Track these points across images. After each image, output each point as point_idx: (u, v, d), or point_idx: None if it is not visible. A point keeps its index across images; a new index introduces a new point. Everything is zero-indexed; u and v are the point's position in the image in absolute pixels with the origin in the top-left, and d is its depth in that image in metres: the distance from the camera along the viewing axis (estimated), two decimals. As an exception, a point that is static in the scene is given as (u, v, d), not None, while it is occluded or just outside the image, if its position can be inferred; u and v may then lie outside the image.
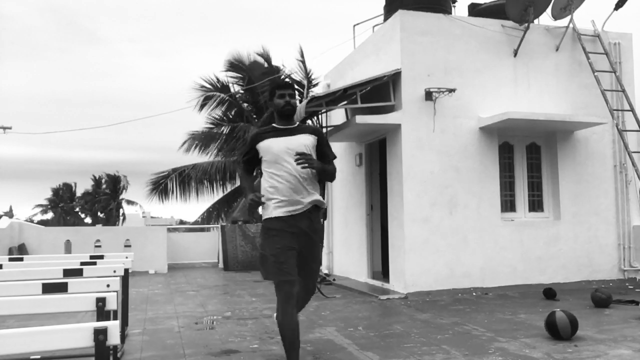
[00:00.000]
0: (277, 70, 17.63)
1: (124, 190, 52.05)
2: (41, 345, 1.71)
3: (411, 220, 7.40)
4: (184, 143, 17.51)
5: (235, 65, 17.51)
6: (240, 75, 17.65)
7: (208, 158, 17.98)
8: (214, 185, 18.22)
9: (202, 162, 18.01)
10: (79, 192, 55.32)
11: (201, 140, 17.44)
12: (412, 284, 7.32)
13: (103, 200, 51.19)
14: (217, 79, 17.58)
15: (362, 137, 8.83)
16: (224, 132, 17.29)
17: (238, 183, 18.58)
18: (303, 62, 17.05)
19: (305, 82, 16.81)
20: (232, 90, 17.73)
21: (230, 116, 17.71)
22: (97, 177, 52.77)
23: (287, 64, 18.71)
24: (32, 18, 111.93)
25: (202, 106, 17.34)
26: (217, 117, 17.60)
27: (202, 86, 17.30)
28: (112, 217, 49.69)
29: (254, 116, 17.77)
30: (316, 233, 3.79)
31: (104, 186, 52.57)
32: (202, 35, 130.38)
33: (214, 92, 17.42)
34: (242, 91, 17.78)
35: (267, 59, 17.76)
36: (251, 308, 6.67)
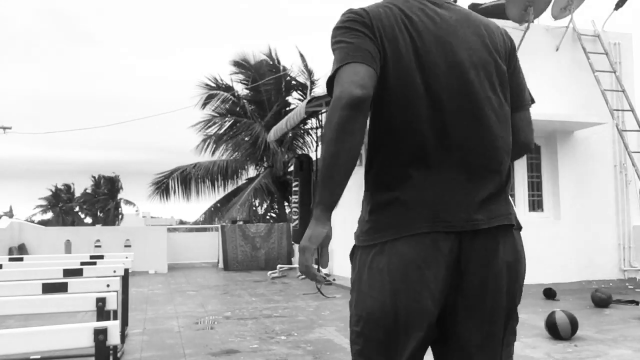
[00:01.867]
0: (283, 69, 17.68)
1: (121, 190, 52.19)
2: (41, 345, 1.71)
3: (411, 220, 7.39)
4: (199, 145, 17.70)
5: (241, 64, 17.55)
6: (245, 74, 17.69)
7: (219, 156, 18.06)
8: (215, 184, 18.25)
9: (204, 162, 18.05)
10: (78, 192, 55.39)
11: (213, 139, 17.56)
12: (412, 284, 7.32)
13: (102, 201, 51.26)
14: (221, 78, 17.63)
15: (362, 137, 8.82)
16: (231, 126, 17.36)
17: (240, 182, 18.61)
18: (305, 64, 17.11)
19: (308, 83, 16.85)
20: (236, 89, 17.79)
21: (235, 112, 17.77)
22: (96, 178, 52.86)
23: (289, 64, 18.82)
24: (30, 19, 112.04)
25: (204, 104, 17.39)
26: (221, 110, 17.66)
27: (206, 84, 17.33)
28: (109, 216, 49.75)
29: (257, 114, 17.80)
30: None
31: (102, 187, 52.64)
32: (199, 36, 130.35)
33: (217, 90, 17.46)
34: (246, 90, 17.84)
35: (274, 58, 17.79)
36: (251, 308, 6.67)
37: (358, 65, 1.36)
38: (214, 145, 17.65)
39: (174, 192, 18.00)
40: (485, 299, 1.42)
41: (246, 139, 16.76)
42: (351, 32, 1.42)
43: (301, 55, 17.12)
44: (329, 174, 1.37)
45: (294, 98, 18.15)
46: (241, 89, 17.99)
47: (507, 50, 1.59)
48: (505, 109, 1.51)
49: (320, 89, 15.18)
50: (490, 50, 1.51)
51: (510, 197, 1.52)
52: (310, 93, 16.49)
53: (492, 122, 1.45)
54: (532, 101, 1.69)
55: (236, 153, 17.78)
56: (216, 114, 17.48)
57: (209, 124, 17.46)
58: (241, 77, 17.79)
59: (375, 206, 1.45)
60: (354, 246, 1.54)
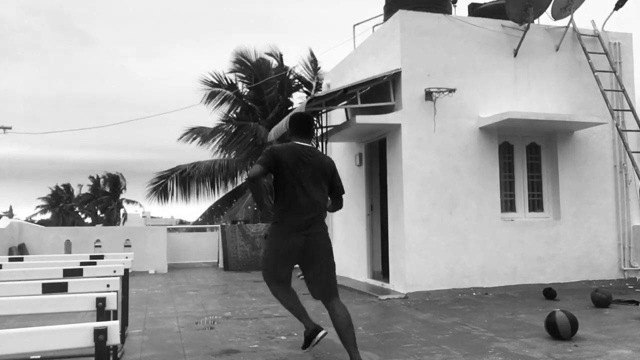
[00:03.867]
0: (285, 69, 17.65)
1: (124, 190, 52.11)
2: (41, 345, 1.71)
3: (411, 220, 7.39)
4: (183, 135, 17.46)
5: (241, 62, 17.46)
6: (246, 73, 17.63)
7: (212, 155, 17.96)
8: (215, 184, 18.17)
9: (204, 161, 17.99)
10: (78, 192, 55.35)
11: (201, 133, 17.42)
12: (412, 284, 7.32)
13: (104, 201, 51.18)
14: (224, 76, 17.56)
15: (362, 137, 8.83)
16: (232, 130, 17.32)
17: (239, 182, 18.60)
18: (315, 63, 17.11)
19: (314, 83, 16.84)
20: (238, 87, 17.71)
21: (236, 113, 17.71)
22: (95, 178, 52.78)
23: (291, 63, 18.74)
24: (27, 20, 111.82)
25: (208, 100, 17.30)
26: (224, 114, 17.59)
27: (209, 81, 17.25)
28: (112, 217, 49.67)
29: (258, 113, 17.77)
30: None
31: (102, 186, 52.54)
32: (197, 37, 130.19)
33: (219, 88, 17.40)
34: (248, 89, 17.78)
35: (278, 55, 17.77)
36: (251, 308, 6.67)
37: (257, 166, 3.86)
38: (202, 139, 17.44)
39: (172, 193, 17.89)
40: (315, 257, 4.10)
41: (250, 140, 16.73)
42: (264, 156, 3.91)
43: (312, 56, 17.11)
44: (255, 199, 4.11)
45: (297, 97, 18.14)
46: (243, 87, 17.95)
47: (331, 169, 4.12)
48: (324, 191, 4.08)
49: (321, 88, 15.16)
50: (325, 169, 4.05)
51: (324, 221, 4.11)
52: (316, 93, 16.44)
53: (316, 197, 4.00)
54: (343, 191, 4.24)
55: (238, 154, 17.74)
56: (223, 122, 17.39)
57: (215, 135, 17.38)
58: (242, 75, 17.75)
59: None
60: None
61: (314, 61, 17.17)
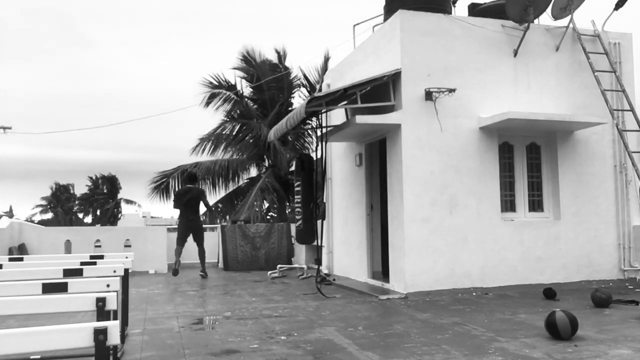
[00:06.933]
0: (285, 68, 17.65)
1: (120, 189, 52.20)
2: (41, 345, 1.71)
3: (411, 220, 7.39)
4: (195, 147, 17.66)
5: (247, 60, 17.47)
6: (248, 73, 17.64)
7: (221, 156, 18.02)
8: (217, 184, 18.20)
9: (205, 161, 18.02)
10: (77, 192, 55.40)
11: (211, 140, 17.54)
12: (412, 284, 7.32)
13: (101, 200, 51.22)
14: (224, 77, 17.59)
15: (362, 137, 8.83)
16: (234, 131, 17.38)
17: (241, 182, 18.68)
18: (325, 65, 17.14)
19: (318, 86, 16.86)
20: (239, 87, 17.73)
21: (237, 113, 17.74)
22: (94, 178, 52.80)
23: (293, 63, 18.83)
24: (24, 20, 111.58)
25: (207, 103, 17.36)
26: (225, 114, 17.67)
27: (209, 82, 17.28)
28: (113, 217, 49.69)
29: (259, 113, 17.78)
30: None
31: (100, 186, 52.58)
32: (198, 36, 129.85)
33: (219, 89, 17.42)
34: (250, 88, 17.80)
35: (282, 56, 17.77)
36: (251, 308, 6.67)
37: (173, 202, 10.90)
38: (212, 146, 17.61)
39: (175, 190, 17.95)
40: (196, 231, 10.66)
41: (251, 141, 16.74)
42: (175, 197, 11.02)
43: (326, 59, 17.10)
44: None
45: (299, 98, 18.17)
46: (245, 87, 17.96)
47: (199, 196, 10.66)
48: (198, 206, 10.74)
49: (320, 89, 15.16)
50: (197, 198, 10.60)
51: (199, 216, 11.29)
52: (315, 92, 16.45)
53: (194, 207, 10.67)
54: (207, 204, 11.13)
55: (239, 154, 17.78)
56: (226, 119, 17.46)
57: (217, 130, 17.44)
58: (244, 74, 17.77)
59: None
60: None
61: (326, 64, 17.22)
